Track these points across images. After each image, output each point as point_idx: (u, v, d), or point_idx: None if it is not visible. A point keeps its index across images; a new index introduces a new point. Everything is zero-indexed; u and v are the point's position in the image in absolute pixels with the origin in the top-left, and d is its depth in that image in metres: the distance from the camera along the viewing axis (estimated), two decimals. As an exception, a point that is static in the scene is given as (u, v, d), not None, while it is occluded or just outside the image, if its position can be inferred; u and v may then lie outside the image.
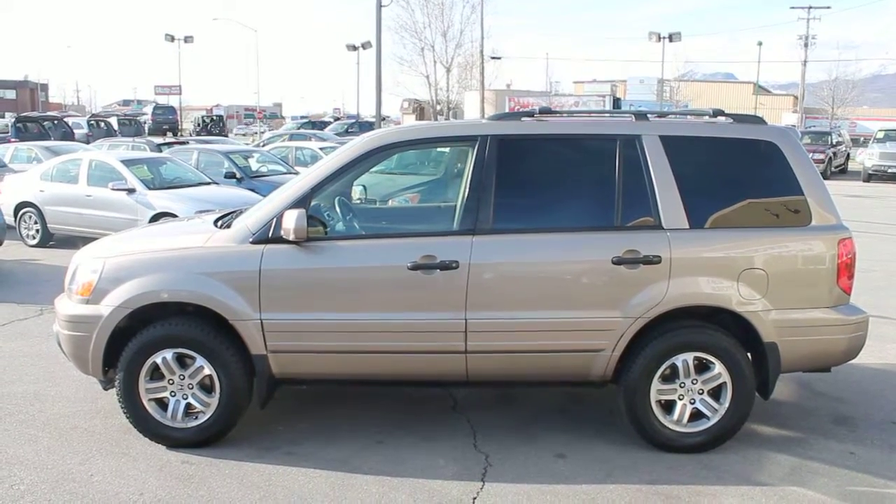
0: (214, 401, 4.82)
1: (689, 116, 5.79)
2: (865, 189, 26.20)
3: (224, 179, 13.88)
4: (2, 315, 8.10)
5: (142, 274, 4.81)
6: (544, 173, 5.04)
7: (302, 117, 67.81)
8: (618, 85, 64.41)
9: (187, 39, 57.08)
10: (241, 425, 4.99)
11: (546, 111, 5.24)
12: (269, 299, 4.71)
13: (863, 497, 4.40)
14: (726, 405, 4.80)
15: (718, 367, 4.76)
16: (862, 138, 46.80)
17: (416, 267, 4.68)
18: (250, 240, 4.79)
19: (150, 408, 4.85)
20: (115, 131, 37.69)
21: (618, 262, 4.70)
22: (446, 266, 4.67)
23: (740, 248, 4.79)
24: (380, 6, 26.68)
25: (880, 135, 30.88)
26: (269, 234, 4.76)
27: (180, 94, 62.75)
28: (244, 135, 59.32)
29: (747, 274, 4.73)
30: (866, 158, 29.75)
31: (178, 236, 5.41)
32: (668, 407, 4.84)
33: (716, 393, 4.82)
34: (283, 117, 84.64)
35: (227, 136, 45.46)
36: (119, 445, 4.90)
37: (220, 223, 5.26)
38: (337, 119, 59.62)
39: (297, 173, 13.55)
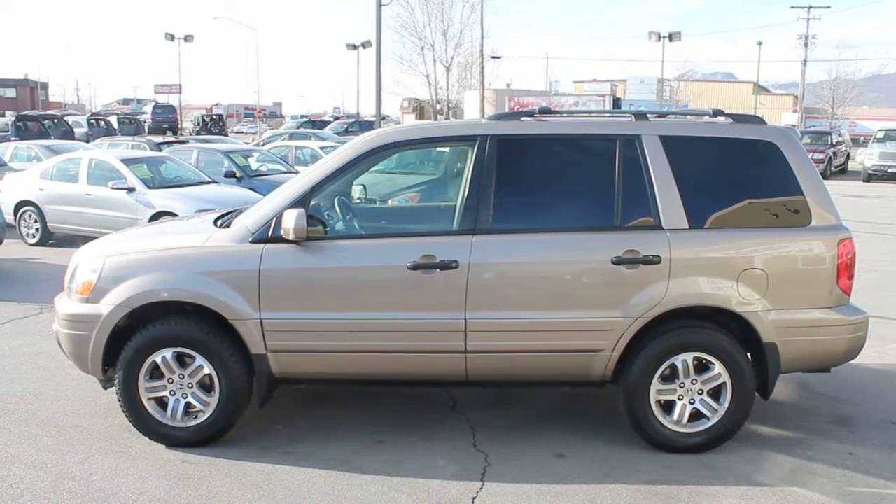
0: (214, 400, 4.82)
1: (688, 116, 5.78)
2: (865, 189, 26.19)
3: (224, 178, 13.89)
4: (1, 314, 8.10)
5: (141, 273, 4.81)
6: (544, 173, 5.04)
7: (302, 116, 67.80)
8: (618, 85, 64.38)
9: (187, 38, 57.06)
10: (240, 425, 4.99)
11: (546, 111, 5.24)
12: (268, 299, 4.71)
13: (862, 497, 4.40)
14: (726, 405, 4.80)
15: (718, 368, 4.76)
16: (862, 138, 46.79)
17: (415, 267, 4.68)
18: (250, 239, 4.79)
19: (150, 407, 4.85)
20: (115, 130, 37.70)
21: (617, 262, 4.70)
22: (446, 266, 4.67)
23: (740, 248, 4.78)
24: (380, 5, 26.68)
25: (880, 134, 30.86)
26: (269, 234, 4.76)
27: (180, 92, 62.77)
28: (243, 132, 59.36)
29: (747, 274, 4.73)
30: (866, 158, 29.72)
31: (178, 235, 5.41)
32: (667, 407, 4.84)
33: (715, 393, 4.82)
34: (282, 116, 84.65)
35: (226, 135, 45.44)
36: (118, 444, 4.90)
37: (219, 222, 5.25)
38: (337, 118, 59.60)
39: (296, 172, 13.55)
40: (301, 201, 4.81)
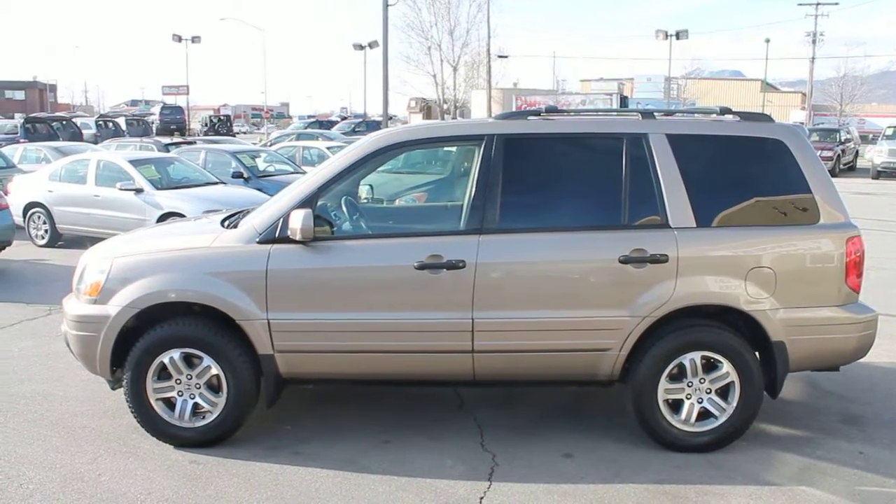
0: (222, 400, 4.83)
1: (696, 115, 5.77)
2: (874, 186, 26.07)
3: (231, 179, 13.92)
4: (11, 315, 8.14)
5: (149, 274, 4.82)
6: (551, 172, 5.03)
7: (309, 117, 67.91)
8: (625, 83, 64.30)
9: (195, 40, 57.19)
10: (248, 425, 5.00)
11: (552, 110, 5.23)
12: (275, 299, 4.72)
13: (872, 497, 4.38)
14: (734, 404, 4.78)
15: (726, 367, 4.75)
16: (871, 135, 46.63)
17: (422, 266, 4.67)
18: (257, 240, 4.80)
19: (158, 407, 4.87)
20: (123, 131, 37.81)
21: (625, 261, 4.68)
22: (453, 265, 4.67)
23: (748, 246, 4.77)
24: (386, 5, 26.68)
25: (889, 131, 30.72)
26: (276, 234, 4.77)
27: (188, 94, 62.87)
28: (249, 132, 59.45)
29: (755, 273, 4.71)
30: (875, 155, 29.56)
31: (186, 236, 5.42)
32: (675, 406, 4.83)
33: (724, 392, 4.80)
34: (290, 117, 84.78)
35: (234, 135, 45.53)
36: (127, 445, 4.92)
37: (227, 223, 5.26)
38: (344, 118, 59.65)
39: (304, 173, 13.57)
40: (308, 202, 4.81)
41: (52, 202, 12.50)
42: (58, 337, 5.80)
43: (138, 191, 11.53)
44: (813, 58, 55.05)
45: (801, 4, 54.73)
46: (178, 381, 4.85)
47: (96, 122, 39.75)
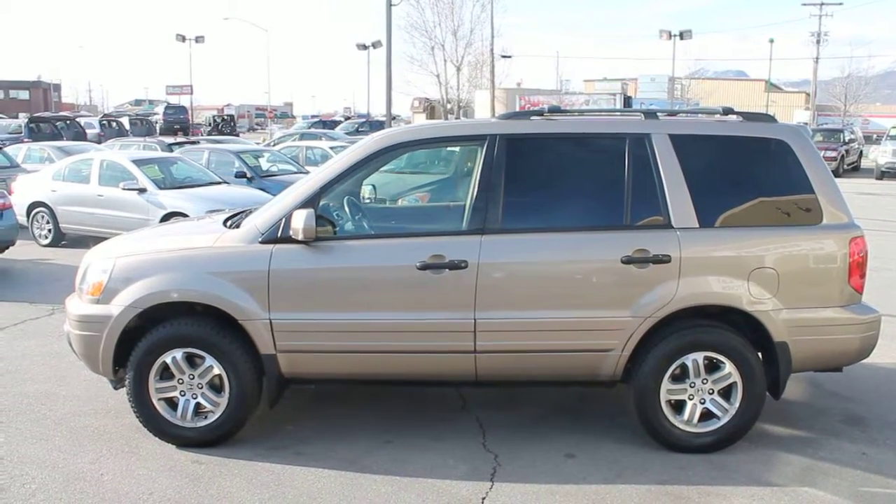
0: (224, 400, 4.83)
1: (699, 115, 5.77)
2: (878, 187, 26.02)
3: (235, 179, 13.92)
4: (14, 314, 8.15)
5: (151, 274, 4.83)
6: (553, 172, 5.03)
7: (313, 116, 67.93)
8: (628, 83, 64.20)
9: (198, 39, 57.20)
10: (250, 425, 5.01)
11: (555, 110, 5.23)
12: (277, 299, 4.72)
13: (875, 498, 4.37)
14: (737, 405, 4.77)
15: (729, 367, 4.74)
16: (875, 135, 46.51)
17: (425, 266, 4.67)
18: (259, 240, 4.80)
19: (160, 407, 4.87)
20: (127, 131, 37.87)
21: (627, 261, 4.68)
22: (455, 265, 4.67)
23: (750, 247, 4.76)
24: (390, 5, 26.68)
25: (893, 132, 30.61)
26: (279, 234, 4.77)
27: (191, 93, 62.91)
28: (254, 130, 59.47)
29: (758, 273, 4.70)
30: (879, 156, 29.50)
31: (188, 236, 5.42)
32: (678, 407, 4.82)
33: (726, 393, 4.80)
34: (293, 116, 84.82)
35: (237, 135, 45.56)
36: (129, 445, 4.92)
37: (229, 223, 5.26)
38: (347, 118, 59.69)
39: (307, 173, 13.58)
40: (310, 201, 4.81)
41: (55, 202, 12.51)
42: (60, 337, 5.81)
43: (142, 190, 11.54)
44: (817, 58, 54.95)
45: (805, 4, 54.65)
46: (181, 381, 4.85)
47: (100, 121, 39.82)
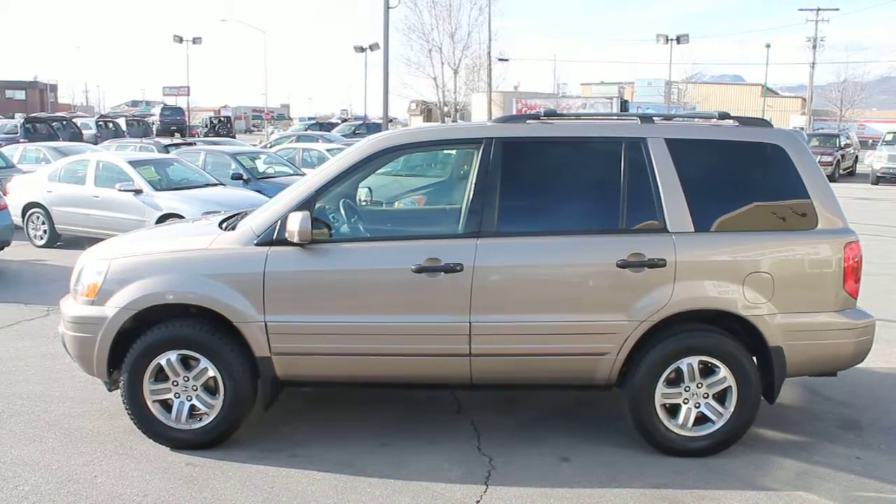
0: (218, 402, 4.82)
1: (695, 119, 5.78)
2: (874, 192, 26.09)
3: (231, 181, 13.92)
4: (8, 315, 8.13)
5: (146, 275, 4.82)
6: (549, 176, 5.03)
7: (309, 118, 67.90)
8: (625, 87, 64.37)
9: (196, 41, 57.13)
10: (245, 427, 5.00)
11: (551, 113, 5.23)
12: (273, 301, 4.71)
13: (869, 502, 4.37)
14: (731, 409, 4.78)
15: (724, 371, 4.74)
16: (870, 140, 46.69)
17: (420, 269, 4.67)
18: (255, 242, 4.80)
19: (155, 409, 4.86)
20: (124, 132, 37.81)
21: (622, 265, 4.68)
22: (451, 269, 4.67)
23: (746, 251, 4.77)
24: (387, 8, 26.68)
25: (889, 137, 30.74)
26: (274, 236, 4.76)
27: (188, 95, 62.83)
28: (252, 132, 59.43)
29: (753, 277, 4.71)
30: (875, 161, 29.59)
31: (183, 238, 5.41)
32: (672, 411, 4.82)
33: (721, 397, 4.80)
34: (290, 118, 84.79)
35: (234, 136, 45.52)
36: (123, 447, 4.91)
37: (225, 225, 5.26)
38: (344, 120, 59.67)
39: (303, 175, 13.57)
40: (306, 204, 4.81)
41: (51, 202, 12.49)
42: (55, 338, 5.81)
43: (137, 192, 11.53)
44: (813, 63, 55.05)
45: (801, 10, 54.75)
46: (175, 383, 4.84)
47: (97, 122, 39.75)
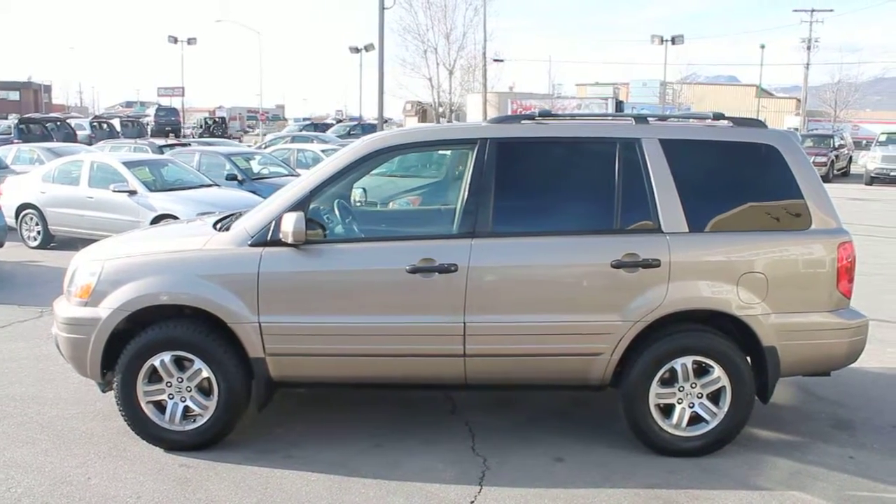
0: (212, 403, 4.81)
1: (690, 120, 5.79)
2: (867, 192, 26.17)
3: (225, 181, 13.89)
4: (1, 316, 8.11)
5: (140, 276, 4.81)
6: (544, 176, 5.03)
7: (304, 119, 67.79)
8: (620, 87, 64.45)
9: (190, 41, 57.06)
10: (239, 428, 4.99)
11: (546, 114, 5.23)
12: (267, 302, 4.71)
13: (862, 501, 4.38)
14: (725, 409, 4.78)
15: (717, 371, 4.75)
16: (864, 141, 46.83)
17: (414, 270, 4.67)
18: (249, 242, 4.79)
19: (148, 410, 4.85)
20: (118, 133, 37.72)
21: (617, 265, 4.69)
22: (445, 269, 4.66)
23: (740, 251, 4.77)
24: (382, 8, 26.67)
25: (882, 138, 30.87)
26: (268, 237, 4.76)
27: (183, 95, 62.72)
28: (248, 132, 59.36)
29: (747, 278, 4.72)
30: (868, 161, 29.70)
31: (177, 239, 5.40)
32: (667, 411, 4.83)
33: (715, 397, 4.81)
34: (285, 119, 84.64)
35: (229, 137, 45.44)
36: (117, 448, 4.90)
37: (219, 226, 5.25)
38: (339, 121, 59.55)
39: (298, 175, 13.55)
40: (300, 204, 4.80)
41: (44, 203, 12.46)
42: (49, 339, 5.78)
43: (132, 192, 11.51)
44: (808, 64, 55.20)
45: (796, 11, 54.91)
46: (169, 384, 4.83)
47: (91, 123, 39.65)
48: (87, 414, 5.44)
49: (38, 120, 32.51)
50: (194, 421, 4.86)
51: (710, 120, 5.28)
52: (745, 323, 4.75)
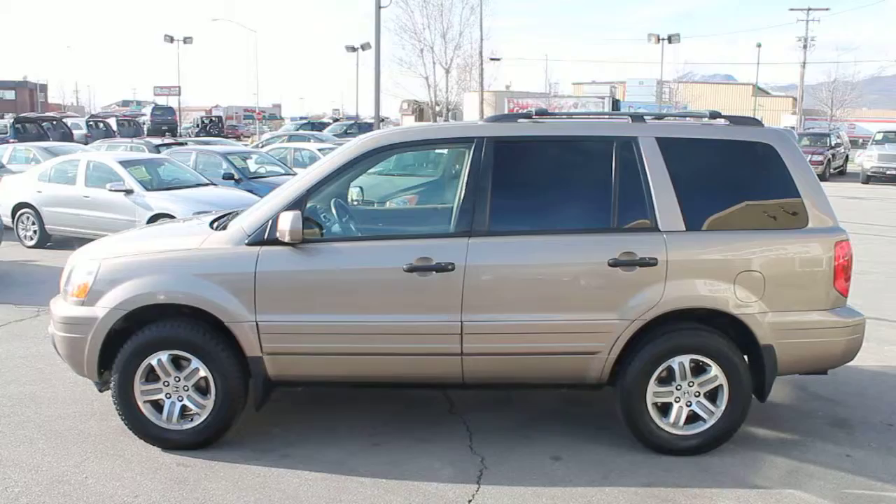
0: (210, 403, 4.81)
1: (687, 118, 5.80)
2: (864, 191, 26.21)
3: (222, 181, 13.88)
4: (-2, 316, 8.09)
5: (137, 275, 4.80)
6: (541, 175, 5.03)
7: (301, 118, 67.73)
8: (617, 86, 64.45)
9: (186, 40, 56.92)
10: (236, 427, 4.98)
11: (542, 113, 5.23)
12: (264, 301, 4.70)
13: (859, 500, 4.39)
14: (723, 408, 4.79)
15: (715, 370, 4.75)
16: (861, 140, 46.87)
17: (412, 269, 4.67)
18: (246, 241, 4.78)
19: (146, 410, 4.84)
20: (114, 132, 37.62)
21: (614, 264, 4.69)
22: (442, 268, 4.66)
23: (737, 250, 4.78)
24: (379, 7, 26.65)
25: (879, 136, 30.90)
26: (265, 236, 4.75)
27: (179, 94, 62.62)
28: (247, 132, 59.32)
29: (744, 276, 4.72)
30: (865, 160, 29.74)
31: (174, 238, 5.40)
32: (664, 409, 4.83)
33: (712, 395, 4.81)
34: (282, 118, 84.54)
35: (226, 136, 45.38)
36: (114, 447, 4.89)
37: (216, 225, 5.24)
38: (336, 120, 59.51)
39: (295, 174, 13.54)
40: (297, 203, 4.80)
41: (41, 203, 12.43)
42: (45, 339, 5.78)
43: (128, 192, 11.48)
44: (804, 62, 55.21)
45: (792, 9, 54.89)
46: (166, 384, 4.82)
47: (87, 122, 39.50)
48: (85, 413, 5.44)
49: (34, 119, 32.37)
50: (192, 420, 4.85)
51: (706, 118, 5.29)
52: (742, 321, 4.75)
